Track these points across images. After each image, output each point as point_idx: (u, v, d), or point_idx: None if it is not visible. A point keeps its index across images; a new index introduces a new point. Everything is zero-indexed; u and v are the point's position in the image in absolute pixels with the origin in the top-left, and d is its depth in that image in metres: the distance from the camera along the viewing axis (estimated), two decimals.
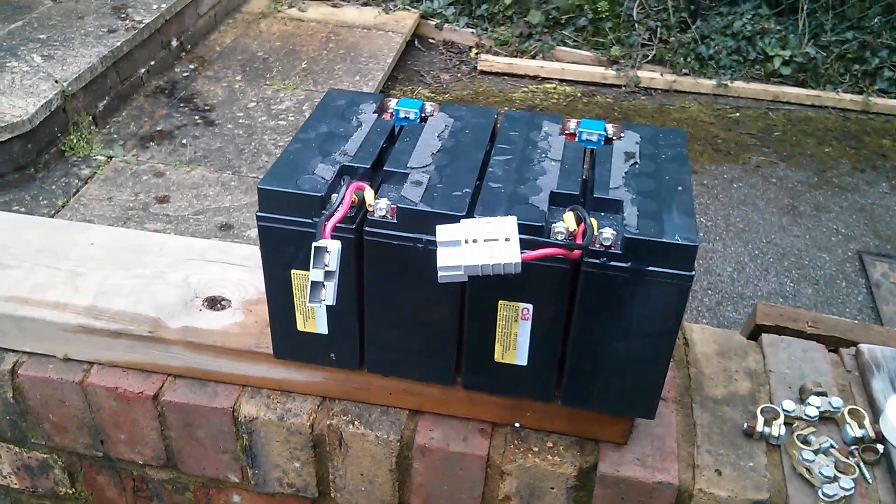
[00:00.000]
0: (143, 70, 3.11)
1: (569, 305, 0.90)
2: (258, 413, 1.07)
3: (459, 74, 4.03)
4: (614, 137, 1.02)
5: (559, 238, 0.84)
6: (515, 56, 4.05)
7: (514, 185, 0.91)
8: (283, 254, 0.93)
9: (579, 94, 3.95)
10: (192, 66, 3.31)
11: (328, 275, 0.70)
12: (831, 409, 1.09)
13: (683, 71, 4.00)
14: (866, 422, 1.08)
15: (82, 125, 2.77)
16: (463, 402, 1.04)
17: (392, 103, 1.06)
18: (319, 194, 0.88)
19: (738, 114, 3.93)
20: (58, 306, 1.12)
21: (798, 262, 2.95)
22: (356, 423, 1.05)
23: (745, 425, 1.06)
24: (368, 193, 0.89)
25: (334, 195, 0.88)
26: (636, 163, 0.96)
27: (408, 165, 0.93)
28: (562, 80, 4.00)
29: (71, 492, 1.26)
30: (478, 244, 0.72)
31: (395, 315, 0.95)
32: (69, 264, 1.19)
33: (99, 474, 1.23)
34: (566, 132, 1.03)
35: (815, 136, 3.84)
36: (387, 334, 0.97)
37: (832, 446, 1.05)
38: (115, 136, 2.83)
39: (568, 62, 4.01)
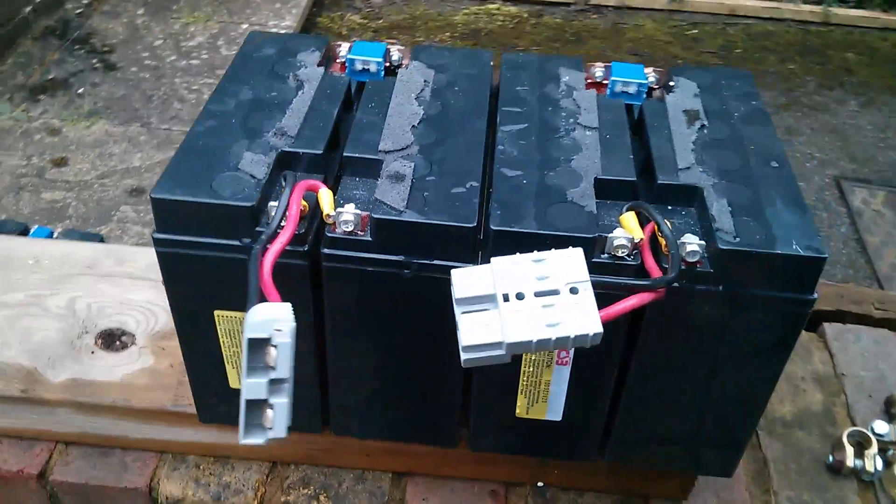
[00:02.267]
0: (27, 9, 2.65)
1: (627, 341, 0.62)
2: (184, 492, 0.77)
3: None
4: (658, 86, 0.73)
5: (620, 255, 0.56)
6: None
7: (538, 170, 0.61)
8: (199, 291, 0.62)
9: (526, 15, 3.62)
10: (85, 1, 2.85)
11: (275, 385, 0.40)
12: None
13: None
14: None
15: None
16: (467, 462, 0.76)
17: (343, 49, 0.74)
18: (249, 204, 0.57)
19: (696, 31, 3.65)
20: None
21: None
22: (321, 497, 0.77)
23: (831, 458, 0.82)
24: (325, 196, 0.58)
25: (272, 203, 0.58)
26: (704, 126, 0.67)
27: (379, 148, 0.62)
28: (505, 0, 3.66)
29: None
30: (526, 302, 0.43)
31: (371, 367, 0.66)
32: None
33: None
34: (590, 81, 0.74)
35: (777, 52, 3.60)
36: (360, 392, 0.68)
37: None
38: (1, 88, 2.41)
39: None
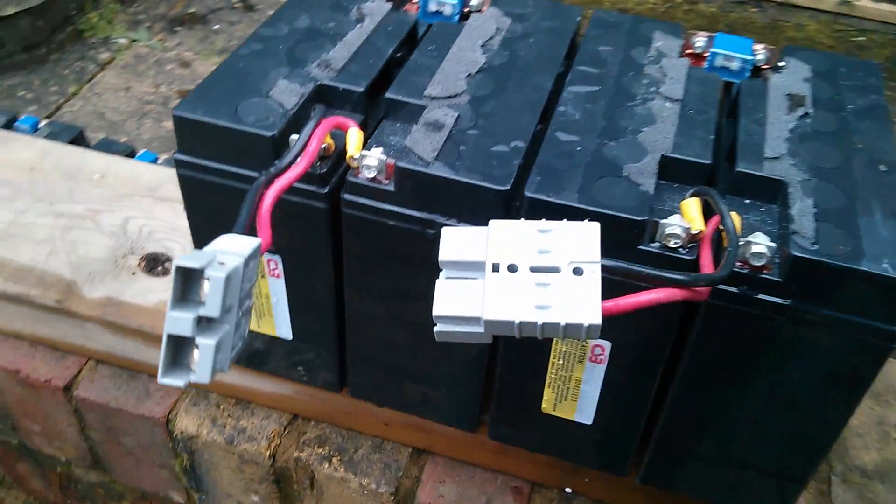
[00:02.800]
0: None
1: (674, 348, 0.54)
2: (199, 430, 0.75)
3: None
4: (768, 67, 0.63)
5: (671, 244, 0.48)
6: None
7: (598, 138, 0.54)
8: (217, 221, 0.58)
9: (679, 0, 3.44)
10: None
11: (206, 326, 0.35)
12: None
13: None
14: None
15: (104, 2, 2.43)
16: (490, 452, 0.70)
17: None
18: (270, 133, 0.53)
19: (862, 38, 3.36)
20: None
21: None
22: (334, 459, 0.73)
23: None
24: (353, 136, 0.53)
25: (294, 136, 0.53)
26: (807, 114, 0.57)
27: (425, 93, 0.57)
28: None
29: None
30: (519, 276, 0.37)
31: (389, 331, 0.60)
32: None
33: (19, 462, 0.94)
34: (689, 52, 0.65)
35: None
36: (378, 354, 0.63)
37: None
38: (142, 16, 2.49)
39: None
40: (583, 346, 0.55)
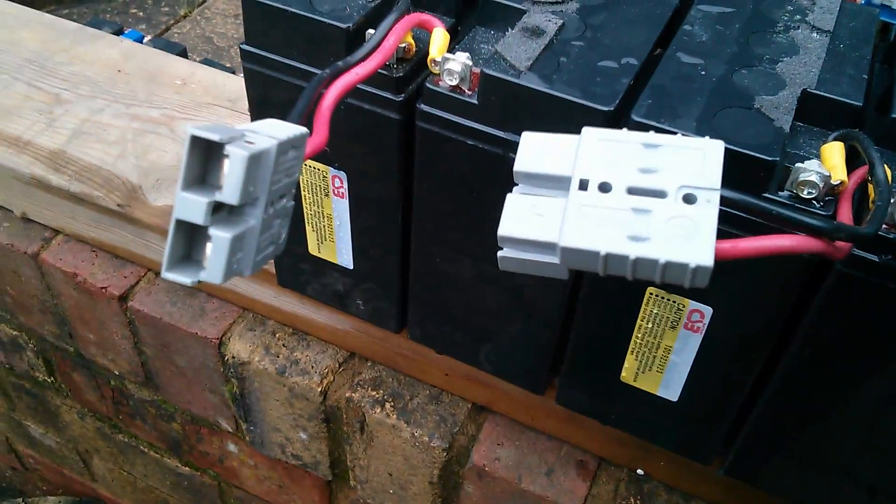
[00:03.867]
0: None
1: (787, 325, 0.45)
2: (251, 356, 0.71)
3: None
4: None
5: (805, 194, 0.39)
6: None
7: (727, 64, 0.45)
8: None
9: None
10: None
11: (225, 217, 0.29)
12: None
13: None
14: None
15: None
16: (556, 417, 0.63)
17: None
18: (345, 25, 0.46)
19: None
20: (17, 143, 0.78)
21: None
22: (388, 405, 0.67)
23: None
24: (438, 37, 0.46)
25: (370, 31, 0.46)
26: None
27: None
28: None
29: (50, 380, 0.98)
30: (612, 197, 0.29)
31: (457, 269, 0.54)
32: (56, 85, 0.84)
33: (74, 371, 0.93)
34: None
35: None
36: (442, 294, 0.56)
37: None
38: None
39: None
40: (678, 309, 0.47)
